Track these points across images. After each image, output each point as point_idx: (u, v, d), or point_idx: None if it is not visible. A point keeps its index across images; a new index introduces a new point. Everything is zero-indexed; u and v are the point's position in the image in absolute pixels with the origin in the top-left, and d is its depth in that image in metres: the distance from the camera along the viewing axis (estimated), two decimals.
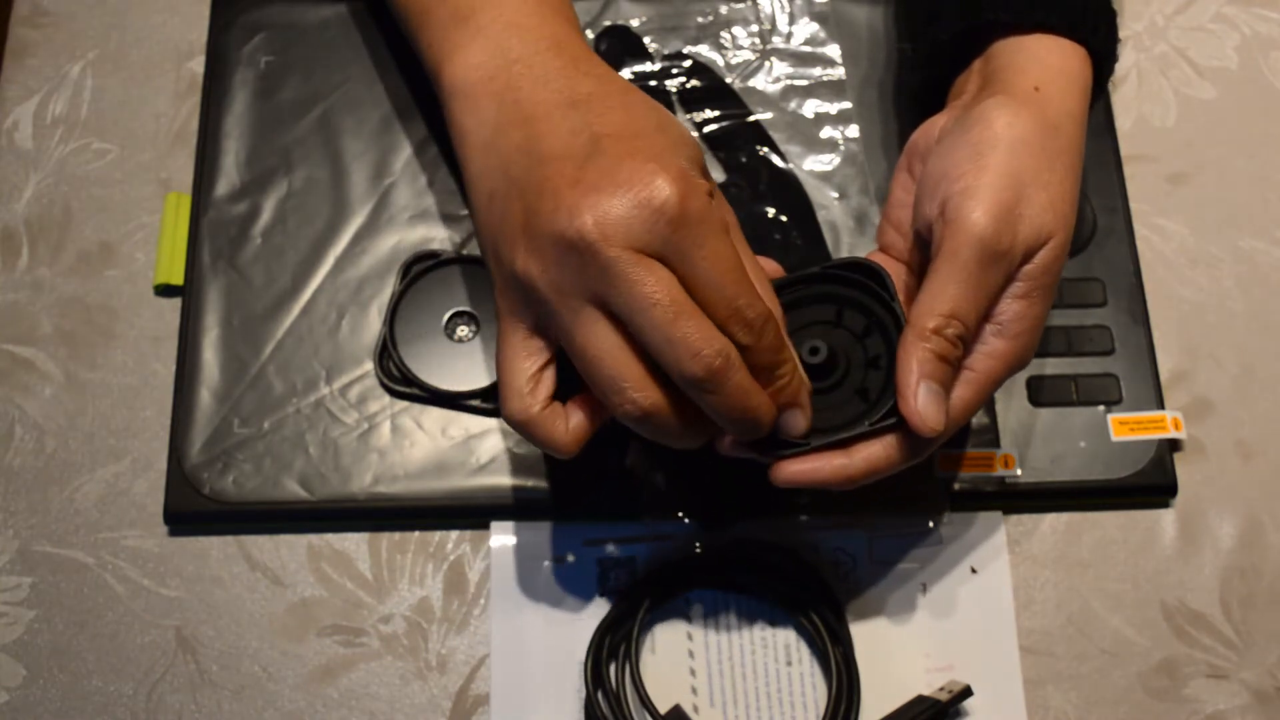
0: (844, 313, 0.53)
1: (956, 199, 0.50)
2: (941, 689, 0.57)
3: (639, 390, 0.47)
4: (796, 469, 0.50)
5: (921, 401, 0.48)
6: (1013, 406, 0.60)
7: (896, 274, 0.54)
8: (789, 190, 0.64)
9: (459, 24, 0.54)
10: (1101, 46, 0.56)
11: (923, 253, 0.53)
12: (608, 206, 0.46)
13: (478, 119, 0.52)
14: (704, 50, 0.67)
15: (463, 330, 0.61)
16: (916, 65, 0.60)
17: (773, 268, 0.53)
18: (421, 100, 0.65)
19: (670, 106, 0.66)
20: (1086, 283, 0.62)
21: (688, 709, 0.57)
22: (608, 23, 0.67)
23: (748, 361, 0.47)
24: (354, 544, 0.60)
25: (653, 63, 0.67)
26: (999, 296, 0.50)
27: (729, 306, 0.47)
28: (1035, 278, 0.51)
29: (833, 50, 0.67)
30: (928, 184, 0.52)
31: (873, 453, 0.50)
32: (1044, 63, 0.54)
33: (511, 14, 0.54)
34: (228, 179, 0.64)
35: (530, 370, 0.50)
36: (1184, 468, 0.61)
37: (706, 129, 0.65)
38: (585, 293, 0.47)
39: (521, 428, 0.50)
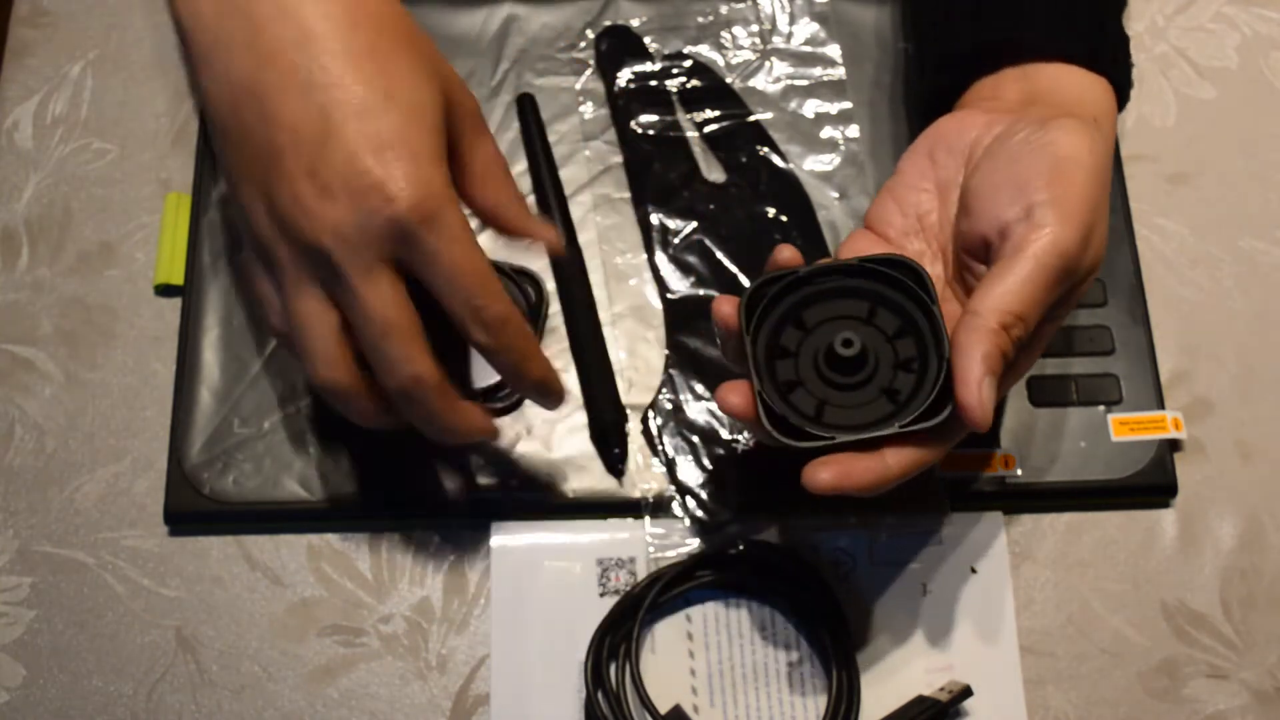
0: (877, 310, 0.51)
1: (1044, 208, 0.49)
2: (941, 689, 0.57)
3: (329, 368, 0.49)
4: (829, 476, 0.48)
5: (985, 394, 0.47)
6: (1013, 406, 0.60)
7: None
8: (789, 190, 0.64)
9: None
10: (1121, 77, 0.56)
11: (926, 240, 0.53)
12: (342, 217, 0.47)
13: (194, 12, 0.50)
14: (704, 50, 0.67)
15: None
16: (925, 70, 0.60)
17: (791, 255, 0.51)
18: None
19: (670, 107, 0.66)
20: None
21: (688, 709, 0.57)
22: (608, 23, 0.67)
23: (494, 361, 0.50)
24: (354, 544, 0.60)
25: (653, 63, 0.67)
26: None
27: (465, 308, 0.48)
28: (1070, 304, 0.51)
29: (833, 50, 0.67)
30: (998, 184, 0.51)
31: (905, 456, 0.49)
32: (1093, 98, 0.55)
33: None
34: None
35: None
36: (1184, 468, 0.61)
37: (706, 129, 0.65)
38: (316, 281, 0.49)
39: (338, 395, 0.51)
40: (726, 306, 0.50)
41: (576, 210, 0.64)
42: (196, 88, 0.52)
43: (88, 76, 0.68)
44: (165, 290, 0.63)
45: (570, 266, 0.62)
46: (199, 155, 0.65)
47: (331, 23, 0.48)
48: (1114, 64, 0.56)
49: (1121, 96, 0.57)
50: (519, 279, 0.61)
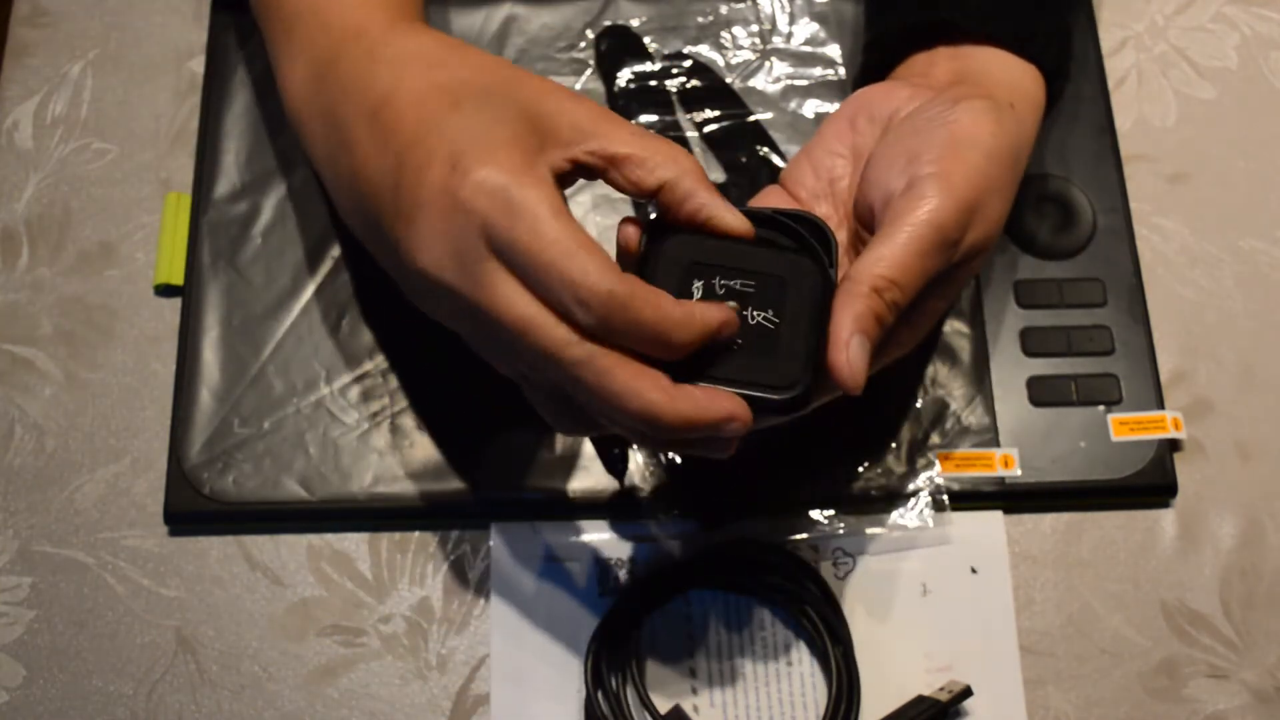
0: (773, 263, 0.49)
1: (928, 180, 0.49)
2: (941, 689, 0.57)
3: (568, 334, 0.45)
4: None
5: (854, 354, 0.47)
6: (1013, 406, 0.60)
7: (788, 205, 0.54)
8: None
9: (286, 32, 0.53)
10: (1052, 65, 0.56)
11: (835, 205, 0.53)
12: (423, 233, 0.45)
13: (314, 143, 0.52)
14: (704, 50, 0.67)
15: None
16: (864, 48, 0.61)
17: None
18: None
19: (670, 107, 0.66)
20: (1086, 283, 0.62)
21: (688, 709, 0.57)
22: (608, 23, 0.67)
23: (617, 343, 0.45)
24: (354, 544, 0.60)
25: (653, 63, 0.67)
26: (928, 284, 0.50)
27: (563, 298, 0.44)
28: (959, 283, 0.51)
29: (833, 50, 0.67)
30: (895, 157, 0.51)
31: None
32: (1017, 84, 0.55)
33: (322, 6, 0.52)
34: (228, 179, 0.64)
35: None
36: (1184, 468, 0.61)
37: (706, 129, 0.65)
38: (463, 312, 0.47)
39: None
40: (630, 228, 0.49)
41: (577, 210, 0.64)
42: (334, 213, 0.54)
43: (88, 76, 0.68)
44: (165, 290, 0.63)
45: None
46: (199, 155, 0.65)
47: (399, 87, 0.49)
48: (1044, 52, 0.56)
49: (1054, 86, 0.57)
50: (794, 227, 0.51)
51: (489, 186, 0.44)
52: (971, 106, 0.51)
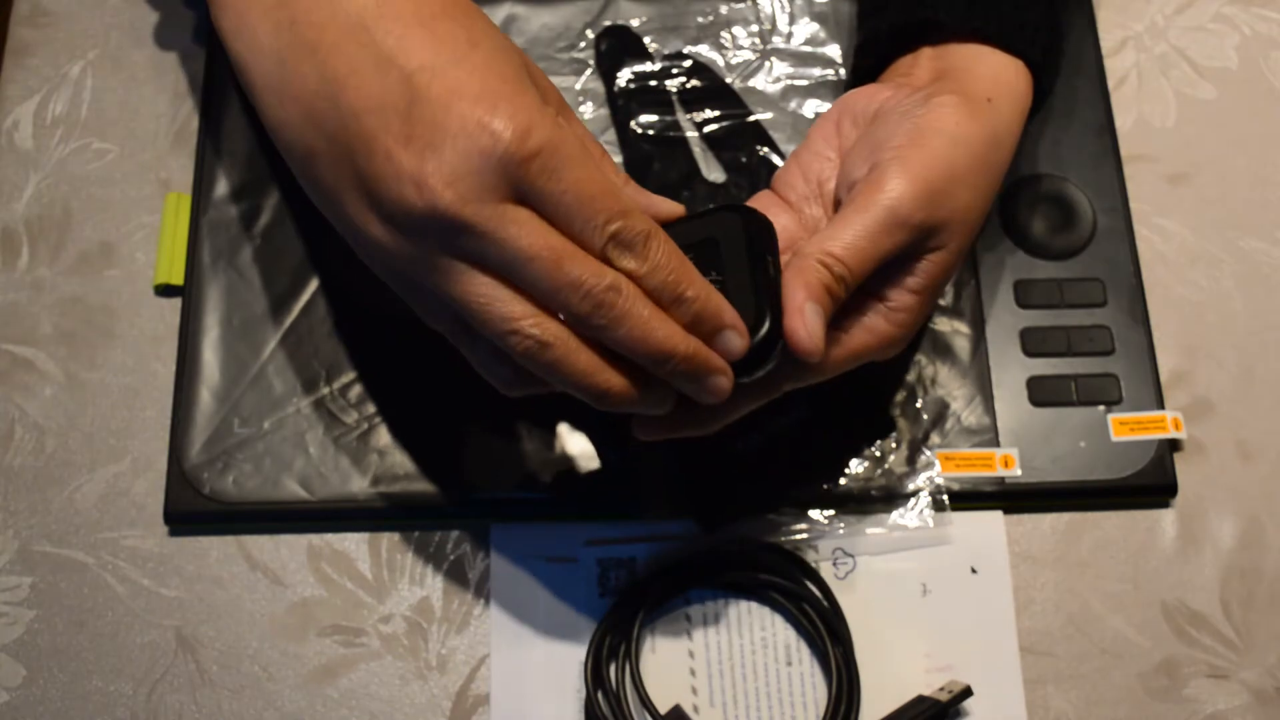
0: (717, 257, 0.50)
1: (886, 165, 0.50)
2: (941, 689, 0.57)
3: (533, 322, 0.44)
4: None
5: (810, 320, 0.47)
6: (1013, 406, 0.60)
7: (787, 218, 0.54)
8: None
9: None
10: (1040, 60, 0.56)
11: (824, 207, 0.54)
12: (451, 165, 0.43)
13: (251, 45, 0.47)
14: (704, 50, 0.67)
15: None
16: (854, 53, 0.61)
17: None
18: None
19: (670, 107, 0.66)
20: (1086, 283, 0.62)
21: (688, 709, 0.57)
22: (608, 23, 0.67)
23: (648, 291, 0.45)
24: (354, 544, 0.60)
25: (653, 63, 0.67)
26: (890, 270, 0.51)
27: (603, 233, 0.44)
28: (931, 275, 0.51)
29: (833, 50, 0.67)
30: (862, 149, 0.52)
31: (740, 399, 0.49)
32: (998, 78, 0.55)
33: None
34: (228, 179, 0.64)
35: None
36: (1184, 468, 0.61)
37: (706, 129, 0.65)
38: (454, 252, 0.44)
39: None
40: None
41: None
42: (266, 128, 0.49)
43: (88, 76, 0.68)
44: (165, 290, 0.63)
45: None
46: (199, 155, 0.65)
47: (390, 3, 0.45)
48: (1031, 46, 0.56)
49: (1044, 80, 0.57)
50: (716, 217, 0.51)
51: (529, 119, 0.43)
52: (942, 101, 0.52)
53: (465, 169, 0.43)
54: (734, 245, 0.49)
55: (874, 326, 0.51)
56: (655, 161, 0.64)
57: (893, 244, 0.50)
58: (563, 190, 0.44)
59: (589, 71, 0.67)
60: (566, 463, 0.59)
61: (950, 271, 0.52)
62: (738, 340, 0.47)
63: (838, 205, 0.53)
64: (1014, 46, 0.56)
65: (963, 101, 0.52)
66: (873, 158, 0.51)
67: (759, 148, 0.65)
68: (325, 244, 0.63)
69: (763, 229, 0.50)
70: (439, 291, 0.46)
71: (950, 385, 0.61)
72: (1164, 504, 0.61)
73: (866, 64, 0.59)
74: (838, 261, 0.49)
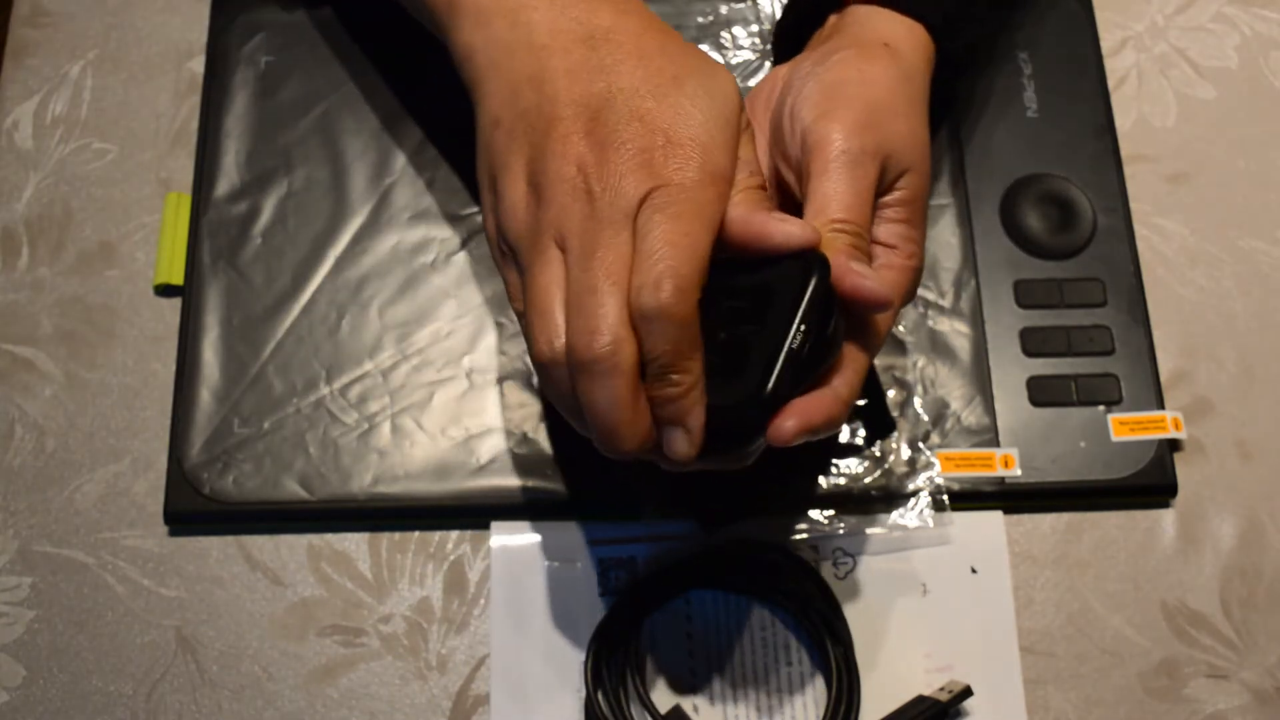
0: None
1: (813, 125, 0.51)
2: (941, 689, 0.57)
3: (558, 334, 0.46)
4: (794, 424, 0.47)
5: (861, 272, 0.48)
6: (1013, 406, 0.60)
7: None
8: None
9: None
10: (939, 24, 0.57)
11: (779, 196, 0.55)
12: (611, 164, 0.47)
13: (487, 36, 0.52)
14: (704, 50, 0.67)
15: None
16: (773, 38, 0.63)
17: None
18: (422, 99, 0.65)
19: None
20: (1086, 283, 0.62)
21: (688, 709, 0.57)
22: None
23: (645, 357, 0.46)
24: (354, 544, 0.60)
25: None
26: (875, 209, 0.51)
27: (638, 287, 0.45)
28: (907, 204, 0.52)
29: None
30: (785, 129, 0.53)
31: (849, 377, 0.49)
32: (892, 24, 0.56)
33: None
34: (228, 179, 0.64)
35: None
36: (1184, 468, 0.61)
37: None
38: (557, 233, 0.47)
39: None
40: None
41: None
42: (473, 95, 0.53)
43: (88, 76, 0.68)
44: (165, 290, 0.63)
45: None
46: (199, 155, 0.65)
47: (625, 19, 0.50)
48: (930, 9, 0.57)
49: (946, 44, 0.57)
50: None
51: (680, 174, 0.47)
52: (839, 57, 0.54)
53: (617, 173, 0.47)
54: (784, 301, 0.47)
55: (894, 264, 0.52)
56: None
57: (868, 181, 0.51)
58: (654, 233, 0.46)
59: None
60: (566, 463, 0.59)
61: (923, 195, 0.53)
62: (683, 443, 0.47)
63: (778, 180, 0.54)
64: (911, 9, 0.57)
65: (858, 50, 0.54)
66: (797, 130, 0.52)
67: None
68: (331, 240, 0.63)
69: (825, 290, 0.48)
70: (524, 259, 0.48)
71: (950, 385, 0.61)
72: (1164, 504, 0.61)
73: (786, 47, 0.61)
74: (845, 222, 0.50)
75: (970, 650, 0.58)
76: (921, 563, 0.59)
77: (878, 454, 0.60)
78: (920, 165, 0.53)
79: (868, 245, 0.50)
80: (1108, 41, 0.68)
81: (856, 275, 0.48)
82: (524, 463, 0.59)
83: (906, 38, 0.56)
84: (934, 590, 0.59)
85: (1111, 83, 0.67)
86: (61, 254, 0.64)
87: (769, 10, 0.68)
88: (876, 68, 0.54)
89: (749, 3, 0.68)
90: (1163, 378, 0.61)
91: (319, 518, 0.59)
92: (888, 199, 0.52)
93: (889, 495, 0.59)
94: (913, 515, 0.59)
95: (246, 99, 0.65)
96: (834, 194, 0.50)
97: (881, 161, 0.51)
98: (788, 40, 0.61)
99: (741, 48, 0.67)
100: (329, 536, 0.60)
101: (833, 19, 0.59)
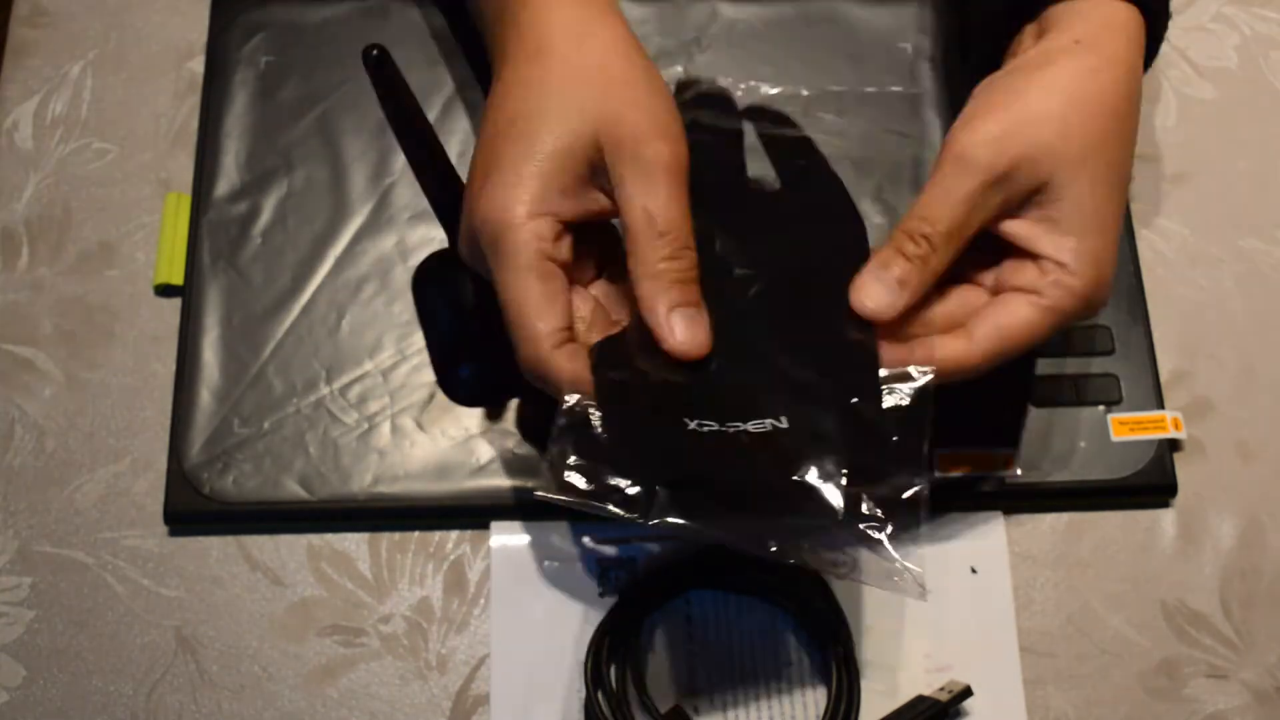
0: None
1: (947, 136, 0.51)
2: (941, 689, 0.57)
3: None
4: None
5: (868, 281, 0.50)
6: (1012, 406, 0.60)
7: None
8: None
9: None
10: (1153, 2, 0.55)
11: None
12: (465, 223, 0.51)
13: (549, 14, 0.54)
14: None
15: None
16: (974, 38, 0.60)
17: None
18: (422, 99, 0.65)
19: None
20: None
21: (688, 709, 0.57)
22: None
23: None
24: (354, 544, 0.60)
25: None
26: (991, 213, 0.51)
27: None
28: (1048, 219, 0.51)
29: None
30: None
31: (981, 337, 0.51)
32: (1087, 18, 0.54)
33: None
34: (228, 179, 0.64)
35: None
36: (1184, 468, 0.61)
37: None
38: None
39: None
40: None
41: None
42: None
43: (88, 76, 0.68)
44: (165, 290, 0.63)
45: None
46: (199, 155, 0.65)
47: (560, 37, 0.52)
48: None
49: (1159, 23, 0.55)
50: None
51: (494, 215, 0.49)
52: (1015, 63, 0.53)
53: (466, 227, 0.52)
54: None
55: (1060, 282, 0.51)
56: None
57: (965, 188, 0.50)
58: (496, 284, 0.51)
59: None
60: None
61: (1074, 208, 0.51)
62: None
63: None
64: None
65: (1039, 53, 0.53)
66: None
67: None
68: (331, 240, 0.63)
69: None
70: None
71: (950, 385, 0.60)
72: (1164, 504, 0.61)
73: (985, 52, 0.58)
74: (920, 221, 0.50)
75: (970, 650, 0.58)
76: (921, 563, 0.59)
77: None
78: (1067, 175, 0.50)
79: (923, 249, 0.50)
80: None
81: (856, 288, 0.49)
82: (524, 463, 0.59)
83: (1102, 27, 0.53)
84: (934, 590, 0.59)
85: None
86: (61, 254, 0.64)
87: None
88: (1051, 72, 0.52)
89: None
90: (1163, 378, 0.61)
91: (319, 518, 0.59)
92: (1026, 213, 0.51)
93: (890, 494, 0.59)
94: (912, 515, 0.59)
95: (246, 99, 0.65)
96: (926, 198, 0.50)
97: (1001, 172, 0.50)
98: (985, 49, 0.58)
99: None
100: (329, 536, 0.60)
101: (1030, 28, 0.56)
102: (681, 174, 0.50)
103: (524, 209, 0.49)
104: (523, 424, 0.60)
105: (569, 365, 0.48)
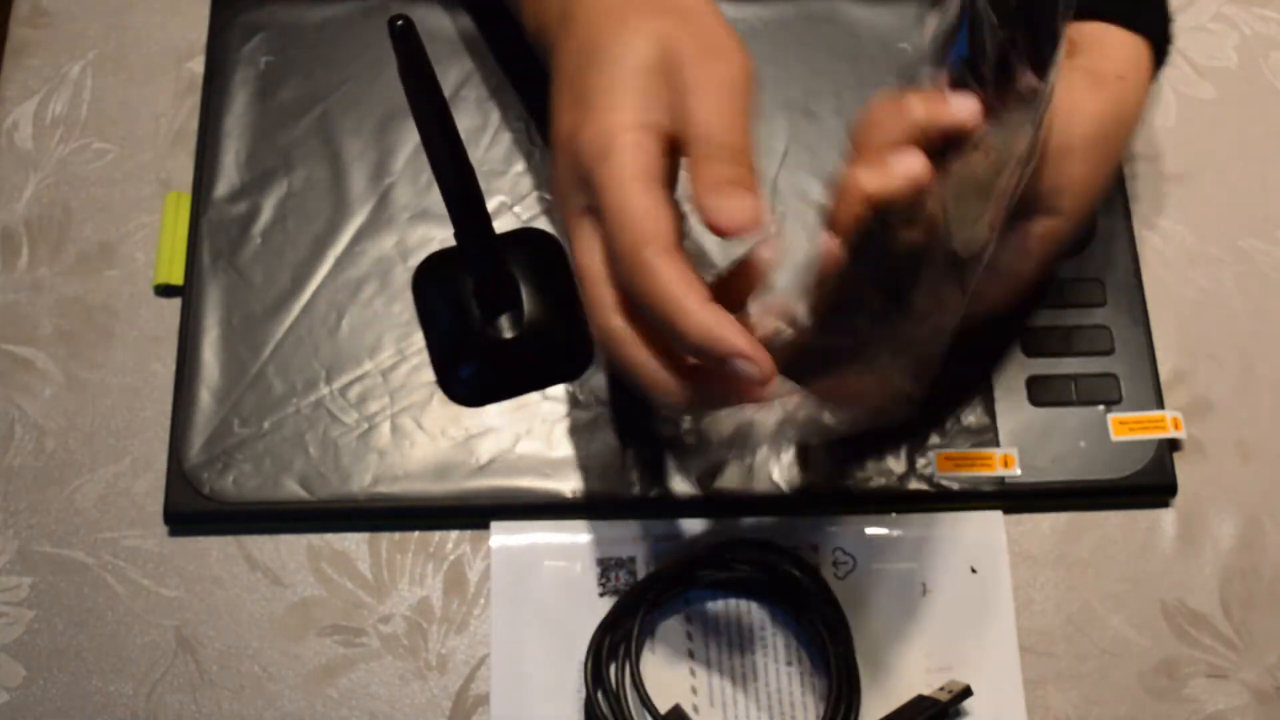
0: None
1: None
2: (941, 689, 0.57)
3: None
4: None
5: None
6: (1012, 406, 0.60)
7: None
8: None
9: None
10: (1159, 36, 0.56)
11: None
12: (558, 164, 0.51)
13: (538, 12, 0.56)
14: None
15: None
16: None
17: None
18: None
19: None
20: (1086, 283, 0.62)
21: (688, 709, 0.57)
22: None
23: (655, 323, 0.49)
24: (354, 544, 0.60)
25: None
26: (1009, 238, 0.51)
27: (615, 255, 0.48)
28: (1042, 237, 0.52)
29: None
30: None
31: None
32: (1126, 54, 0.55)
33: None
34: (228, 179, 0.64)
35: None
36: (1184, 468, 0.61)
37: None
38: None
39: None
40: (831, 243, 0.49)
41: None
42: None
43: (88, 76, 0.68)
44: (165, 290, 0.63)
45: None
46: (199, 155, 0.65)
47: None
48: (1152, 24, 0.56)
49: (1162, 55, 0.56)
50: None
51: (593, 133, 0.49)
52: (1067, 80, 0.52)
53: (560, 170, 0.51)
54: None
55: (986, 291, 0.51)
56: None
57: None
58: (602, 200, 0.48)
59: None
60: (567, 463, 0.59)
61: (1060, 239, 0.53)
62: (750, 365, 0.47)
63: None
64: (1137, 24, 0.55)
65: (1090, 78, 0.53)
66: None
67: None
68: (331, 240, 0.63)
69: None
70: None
71: (950, 385, 0.61)
72: (1164, 504, 0.61)
73: None
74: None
75: (970, 650, 0.58)
76: (921, 563, 0.59)
77: (878, 454, 0.60)
78: (1076, 209, 0.52)
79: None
80: None
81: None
82: (524, 463, 0.59)
83: (1137, 65, 0.55)
84: (934, 590, 0.59)
85: None
86: (61, 254, 0.64)
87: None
88: (1096, 103, 0.52)
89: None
90: (1162, 377, 0.61)
91: (319, 518, 0.59)
92: (1028, 224, 0.52)
93: (889, 495, 0.59)
94: (912, 515, 0.59)
95: (246, 99, 0.65)
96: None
97: (1033, 199, 0.51)
98: None
99: None
100: (329, 536, 0.60)
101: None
102: (741, 90, 0.50)
103: (630, 117, 0.49)
104: (523, 424, 0.60)
105: (678, 269, 0.47)
